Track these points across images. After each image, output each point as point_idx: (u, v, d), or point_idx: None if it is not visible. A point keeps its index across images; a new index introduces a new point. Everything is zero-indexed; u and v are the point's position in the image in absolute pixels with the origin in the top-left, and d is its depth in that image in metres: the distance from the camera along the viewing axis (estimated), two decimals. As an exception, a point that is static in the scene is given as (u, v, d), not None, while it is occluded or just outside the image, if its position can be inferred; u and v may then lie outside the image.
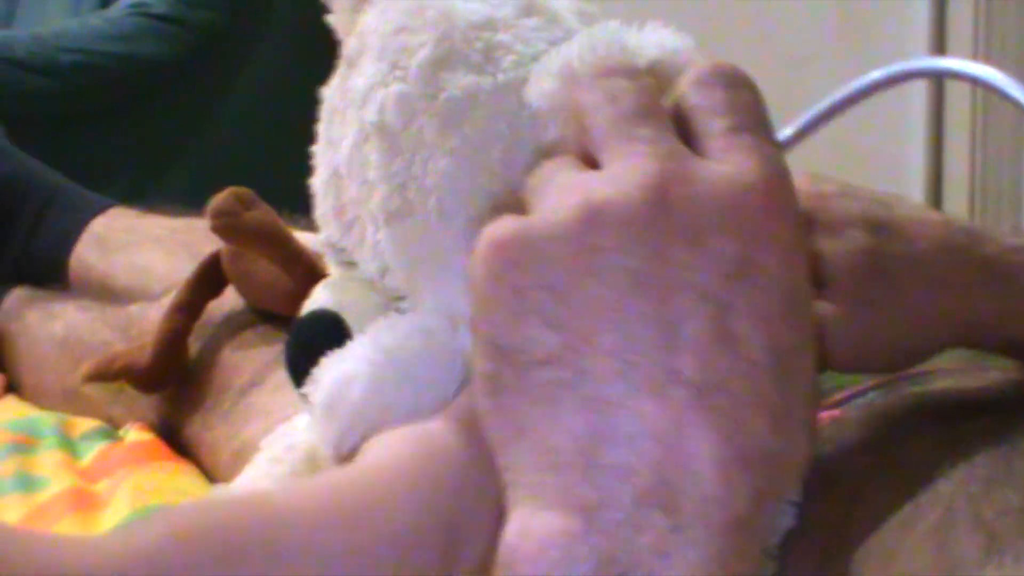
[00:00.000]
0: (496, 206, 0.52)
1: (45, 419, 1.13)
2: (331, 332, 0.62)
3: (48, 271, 1.31)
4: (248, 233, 0.96)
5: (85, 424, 1.13)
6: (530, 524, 0.47)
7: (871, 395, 0.72)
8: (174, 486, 0.98)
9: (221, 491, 0.74)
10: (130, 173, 2.12)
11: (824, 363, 0.62)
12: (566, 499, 0.47)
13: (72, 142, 2.02)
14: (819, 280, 0.64)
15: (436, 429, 0.54)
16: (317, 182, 0.64)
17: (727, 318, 0.47)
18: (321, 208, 0.64)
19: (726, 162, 0.48)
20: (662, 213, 0.47)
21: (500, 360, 0.49)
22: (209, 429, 1.05)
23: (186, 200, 1.27)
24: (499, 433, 0.49)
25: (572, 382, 0.47)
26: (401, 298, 0.62)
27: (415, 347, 0.59)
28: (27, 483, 1.02)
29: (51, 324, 1.24)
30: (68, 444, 1.09)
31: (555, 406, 0.48)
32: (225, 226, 0.97)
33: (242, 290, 1.06)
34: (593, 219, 0.47)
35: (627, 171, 0.48)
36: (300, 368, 0.63)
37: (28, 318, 1.27)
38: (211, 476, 1.02)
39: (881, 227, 0.65)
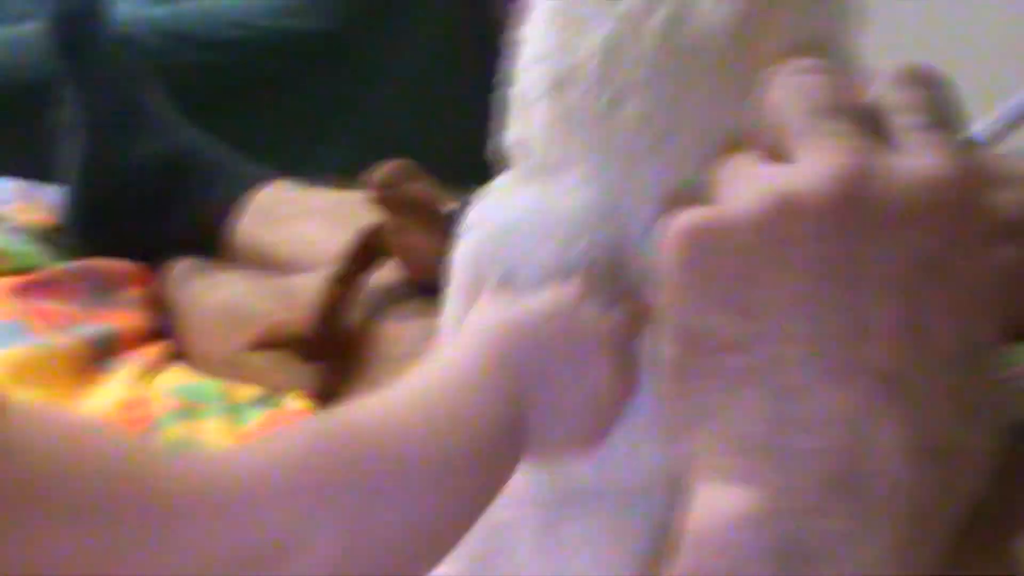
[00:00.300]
0: (679, 197, 0.53)
1: (210, 386, 1.16)
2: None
3: (213, 241, 1.34)
4: (408, 205, 0.97)
5: (248, 391, 1.16)
6: (717, 506, 0.48)
7: None
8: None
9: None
10: (291, 145, 2.15)
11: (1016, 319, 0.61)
12: (753, 482, 0.48)
13: (235, 115, 2.05)
14: (1005, 230, 0.63)
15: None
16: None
17: (918, 310, 0.47)
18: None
19: (920, 158, 0.48)
20: (855, 205, 0.47)
21: (689, 345, 0.50)
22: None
23: (346, 173, 1.28)
24: (684, 417, 0.50)
25: (761, 368, 0.48)
26: (558, 171, 0.66)
27: (565, 204, 0.64)
28: (193, 448, 1.04)
29: (216, 293, 1.27)
30: (232, 410, 1.12)
31: (743, 392, 0.49)
32: (386, 198, 0.98)
33: (405, 263, 1.07)
34: (785, 209, 0.47)
35: (820, 164, 0.48)
36: None
37: (194, 287, 1.30)
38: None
39: None
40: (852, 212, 0.47)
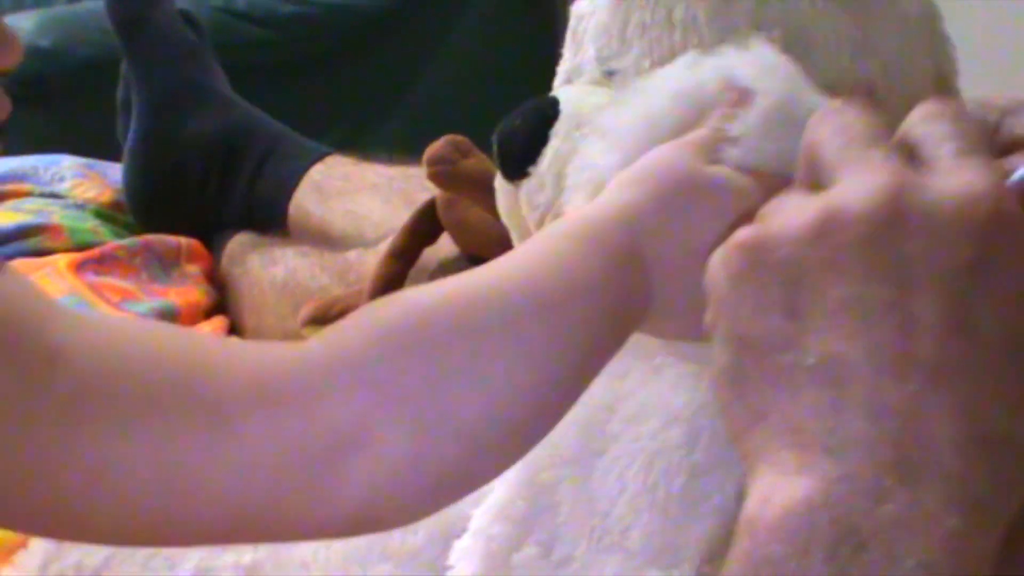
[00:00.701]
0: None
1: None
2: (541, 101, 0.69)
3: (269, 217, 1.35)
4: (464, 180, 0.97)
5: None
6: (772, 494, 0.49)
7: None
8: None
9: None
10: (346, 122, 2.16)
11: None
12: (809, 473, 0.49)
13: (290, 91, 2.06)
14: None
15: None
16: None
17: (965, 307, 0.49)
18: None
19: (956, 177, 0.50)
20: (898, 215, 0.50)
21: (742, 351, 0.52)
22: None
23: (400, 148, 1.29)
24: (740, 419, 0.52)
25: (814, 366, 0.50)
26: (610, 63, 0.69)
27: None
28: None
29: (272, 268, 1.27)
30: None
31: (797, 387, 0.50)
32: (441, 173, 0.98)
33: (457, 237, 1.07)
34: (832, 220, 0.50)
35: (862, 183, 0.51)
36: (505, 138, 0.69)
37: (250, 262, 1.30)
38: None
39: None
40: (894, 221, 0.50)
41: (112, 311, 1.21)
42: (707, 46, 0.67)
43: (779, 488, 0.49)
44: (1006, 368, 0.49)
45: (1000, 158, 0.61)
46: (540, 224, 0.69)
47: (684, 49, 0.67)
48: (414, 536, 0.78)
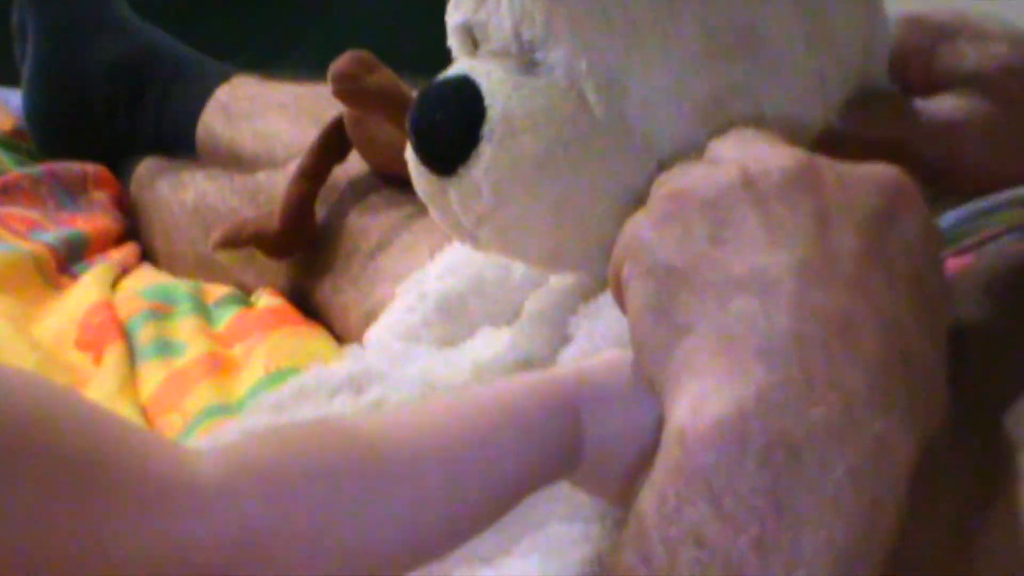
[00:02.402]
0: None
1: (179, 287, 1.16)
2: (461, 90, 0.65)
3: (177, 141, 1.33)
4: (370, 96, 0.96)
5: (218, 291, 1.15)
6: (702, 404, 0.49)
7: (1005, 239, 0.71)
8: (306, 349, 1.00)
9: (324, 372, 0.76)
10: (255, 46, 2.13)
11: (961, 167, 0.65)
12: (740, 378, 0.49)
13: (197, 16, 2.03)
14: (963, 77, 0.65)
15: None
16: None
17: (879, 243, 0.52)
18: None
19: (859, 165, 0.54)
20: (815, 173, 0.53)
21: (665, 279, 0.53)
22: (339, 293, 1.06)
23: (312, 72, 1.27)
24: (662, 342, 0.52)
25: (741, 276, 0.51)
26: (534, 52, 0.63)
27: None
28: (166, 348, 1.04)
29: (182, 193, 1.26)
30: (203, 310, 1.11)
31: (724, 297, 0.51)
32: (347, 90, 0.97)
33: (366, 154, 1.06)
34: (754, 173, 0.53)
35: (778, 152, 0.55)
36: (424, 131, 0.67)
37: (159, 187, 1.29)
38: (341, 339, 1.03)
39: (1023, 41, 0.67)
40: (814, 176, 0.53)
41: (20, 241, 1.20)
42: (648, 53, 0.65)
43: (710, 397, 0.49)
44: (916, 300, 0.51)
45: (934, 95, 0.63)
46: (479, 224, 0.68)
47: (625, 57, 0.65)
48: None
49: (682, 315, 0.52)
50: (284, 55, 2.08)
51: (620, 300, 0.56)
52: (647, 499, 0.49)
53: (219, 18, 2.09)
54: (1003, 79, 0.67)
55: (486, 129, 0.65)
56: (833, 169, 0.54)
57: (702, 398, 0.49)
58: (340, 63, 0.97)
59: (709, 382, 0.50)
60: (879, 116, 0.67)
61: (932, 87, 0.68)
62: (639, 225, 0.55)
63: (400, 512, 0.53)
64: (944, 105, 0.67)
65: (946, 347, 0.52)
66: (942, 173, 0.67)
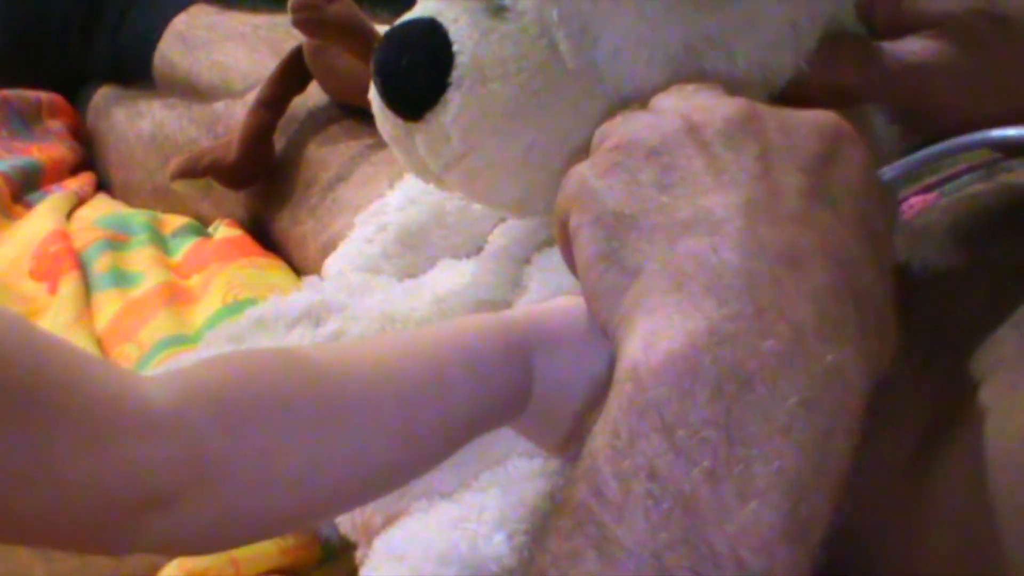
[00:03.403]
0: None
1: (136, 216, 1.15)
2: (429, 35, 0.63)
3: (133, 70, 1.31)
4: (330, 26, 0.95)
5: (176, 221, 1.15)
6: (654, 339, 0.49)
7: (966, 178, 0.71)
8: (264, 280, 1.00)
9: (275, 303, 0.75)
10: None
11: (931, 109, 0.66)
12: (692, 313, 0.49)
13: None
14: (931, 19, 0.65)
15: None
16: None
17: (822, 183, 0.53)
18: None
19: (801, 111, 0.56)
20: (756, 118, 0.54)
21: (613, 226, 0.53)
22: (297, 224, 1.05)
23: (270, 1, 1.26)
24: (613, 286, 0.53)
25: (689, 218, 0.52)
26: None
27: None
28: (122, 278, 1.04)
29: (138, 122, 1.25)
30: (160, 240, 1.11)
31: (673, 238, 0.52)
32: (307, 20, 0.96)
33: (325, 85, 1.05)
34: (696, 121, 0.54)
35: (721, 99, 0.56)
36: (390, 75, 0.65)
37: (116, 117, 1.28)
38: (300, 270, 1.03)
39: None
40: (756, 119, 0.54)
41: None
42: (620, 1, 0.64)
43: (661, 333, 0.49)
44: (861, 239, 0.52)
45: (902, 37, 0.63)
46: (447, 169, 0.67)
47: (596, 5, 0.64)
48: None
49: (632, 258, 0.52)
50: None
51: (566, 252, 0.56)
52: (600, 435, 0.49)
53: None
54: (971, 20, 0.67)
55: (455, 76, 0.65)
56: (775, 116, 0.55)
57: (654, 334, 0.50)
58: (300, -8, 0.96)
59: (660, 319, 0.50)
60: (847, 61, 0.67)
61: (900, 29, 0.68)
62: (585, 175, 0.55)
63: (351, 443, 0.53)
64: (912, 48, 0.67)
65: (894, 284, 0.53)
66: (911, 116, 0.67)
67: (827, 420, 0.48)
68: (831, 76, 0.66)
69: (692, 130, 0.54)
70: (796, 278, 0.50)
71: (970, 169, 0.73)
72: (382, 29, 0.97)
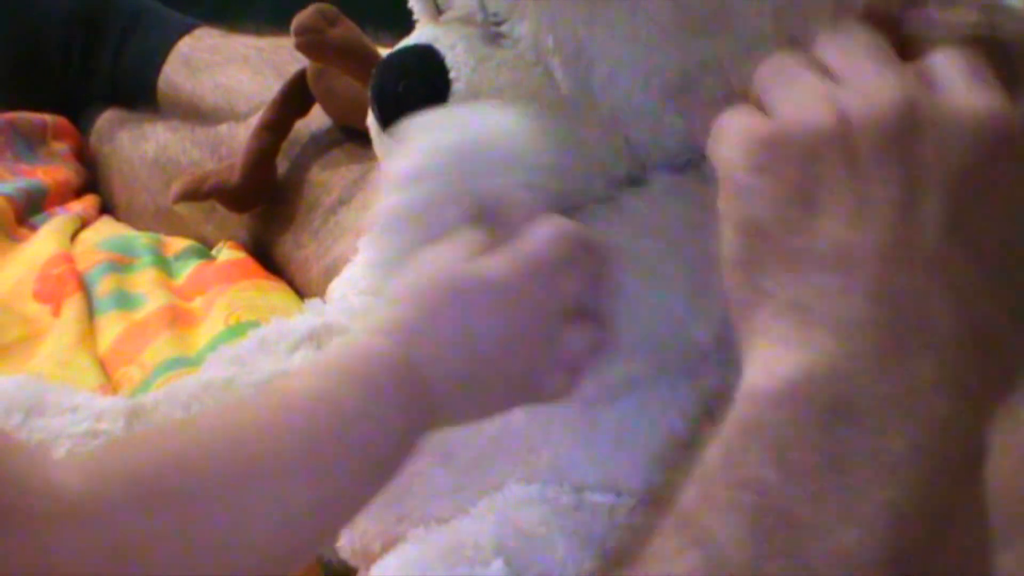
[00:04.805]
0: (726, 94, 0.59)
1: (140, 239, 1.15)
2: (425, 61, 0.63)
3: (137, 92, 1.32)
4: (332, 50, 0.96)
5: (179, 243, 1.15)
6: (775, 365, 0.52)
7: None
8: (266, 303, 1.00)
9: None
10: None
11: None
12: (813, 347, 0.52)
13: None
14: (932, 46, 0.65)
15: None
16: None
17: (966, 211, 0.52)
18: None
19: (971, 97, 0.54)
20: (913, 121, 0.53)
21: (755, 236, 0.54)
22: (300, 247, 1.06)
23: (270, 21, 1.26)
24: (747, 299, 0.55)
25: (824, 251, 0.53)
26: (499, 24, 0.63)
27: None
28: (125, 301, 1.04)
29: (142, 145, 1.25)
30: (163, 263, 1.11)
31: (806, 270, 0.53)
32: (309, 43, 0.96)
33: (328, 108, 1.06)
34: (850, 121, 0.53)
35: (878, 90, 0.54)
36: (388, 101, 0.65)
37: (120, 139, 1.28)
38: (302, 292, 1.03)
39: (993, 8, 0.67)
40: (911, 125, 0.53)
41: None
42: (616, 28, 0.63)
43: (782, 359, 0.52)
44: (999, 273, 0.53)
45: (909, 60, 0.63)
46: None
47: (592, 32, 0.64)
48: None
49: (766, 280, 0.54)
50: (244, 6, 2.07)
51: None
52: (714, 447, 0.52)
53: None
54: (973, 49, 0.67)
55: (451, 103, 0.64)
56: (933, 117, 0.53)
57: (775, 360, 0.52)
58: (303, 16, 0.97)
59: (782, 347, 0.52)
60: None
61: (901, 54, 0.68)
62: (735, 164, 0.55)
63: (269, 501, 0.52)
64: None
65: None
66: None
67: (936, 464, 0.50)
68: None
69: (845, 135, 0.53)
70: (921, 328, 0.51)
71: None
72: (384, 52, 0.98)
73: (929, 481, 0.50)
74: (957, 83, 0.55)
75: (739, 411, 0.52)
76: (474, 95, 0.64)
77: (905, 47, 0.68)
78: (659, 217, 0.64)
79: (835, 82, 0.56)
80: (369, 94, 0.67)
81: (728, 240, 0.56)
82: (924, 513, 0.50)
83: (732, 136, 0.56)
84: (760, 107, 0.57)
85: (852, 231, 0.53)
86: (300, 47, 0.97)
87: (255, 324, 0.89)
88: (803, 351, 0.51)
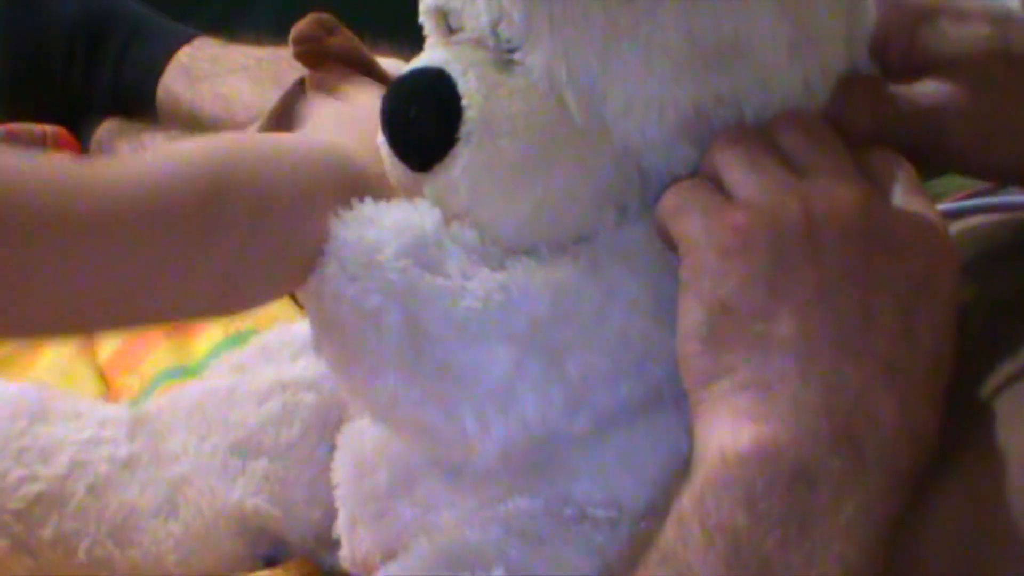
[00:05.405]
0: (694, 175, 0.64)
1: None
2: (437, 86, 0.63)
3: (137, 102, 1.32)
4: (331, 59, 0.96)
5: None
6: (740, 432, 0.57)
7: (968, 204, 0.72)
8: (266, 311, 0.99)
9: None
10: (215, 5, 2.11)
11: (946, 152, 0.67)
12: (775, 419, 0.57)
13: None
14: (945, 60, 0.65)
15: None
16: None
17: (911, 317, 0.59)
18: None
19: (913, 204, 0.61)
20: (869, 230, 0.59)
21: (721, 314, 0.59)
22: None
23: (270, 31, 1.26)
24: (706, 369, 0.60)
25: (787, 338, 0.58)
26: (512, 51, 0.63)
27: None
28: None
29: (142, 156, 1.25)
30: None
31: (768, 353, 0.58)
32: (308, 52, 0.96)
33: (327, 117, 1.06)
34: (816, 227, 0.59)
35: (840, 191, 0.60)
36: (399, 126, 0.66)
37: (120, 149, 1.28)
38: (301, 301, 1.03)
39: (1005, 21, 0.66)
40: (866, 235, 0.59)
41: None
42: (629, 60, 0.64)
43: (748, 426, 0.57)
44: (931, 374, 0.59)
45: (916, 77, 0.64)
46: (454, 218, 0.67)
47: (606, 64, 0.64)
48: (288, 430, 0.78)
49: (727, 356, 0.59)
50: (244, 16, 2.07)
51: (665, 236, 0.63)
52: (686, 497, 0.58)
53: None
54: (986, 62, 0.67)
55: (464, 130, 0.64)
56: (887, 224, 0.60)
57: (741, 426, 0.58)
58: (301, 25, 0.97)
59: (746, 418, 0.58)
60: (861, 102, 0.66)
61: (913, 69, 0.68)
62: (702, 244, 0.60)
63: (101, 259, 0.58)
64: (926, 89, 0.66)
65: (943, 404, 0.60)
66: (924, 156, 0.67)
67: (881, 522, 0.57)
68: (844, 118, 0.66)
69: (810, 230, 0.59)
70: (868, 416, 0.57)
71: (972, 195, 0.73)
72: (383, 62, 0.98)
73: (874, 539, 0.57)
74: (904, 194, 0.61)
75: (707, 467, 0.58)
76: (487, 123, 0.64)
77: (917, 63, 0.67)
78: (664, 247, 0.64)
79: (798, 174, 0.61)
80: (379, 116, 0.67)
81: (691, 313, 0.60)
82: (873, 554, 0.57)
83: (698, 214, 0.61)
84: (715, 179, 0.61)
85: (811, 322, 0.58)
86: (298, 56, 0.97)
87: (254, 332, 0.90)
88: (766, 424, 0.57)
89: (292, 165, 0.66)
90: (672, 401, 0.65)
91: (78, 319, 0.60)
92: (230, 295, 0.64)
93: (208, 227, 0.61)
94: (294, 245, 0.64)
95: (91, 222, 0.58)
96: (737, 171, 0.61)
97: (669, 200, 0.62)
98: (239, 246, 0.62)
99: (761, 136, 0.62)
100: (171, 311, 0.64)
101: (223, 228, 0.61)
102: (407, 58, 0.72)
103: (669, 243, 0.62)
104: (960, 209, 0.72)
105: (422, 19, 0.69)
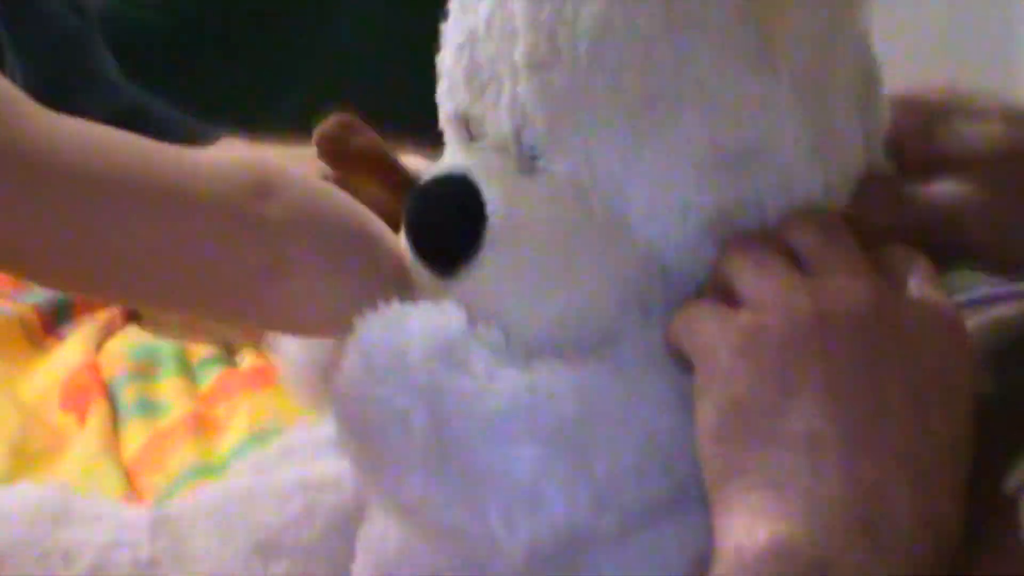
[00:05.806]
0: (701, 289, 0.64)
1: (164, 347, 1.16)
2: (461, 192, 0.64)
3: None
4: (354, 159, 0.96)
5: (203, 351, 1.15)
6: (756, 530, 0.57)
7: (985, 292, 0.72)
8: (290, 410, 1.00)
9: None
10: (244, 101, 2.13)
11: (964, 249, 0.67)
12: (788, 518, 0.57)
13: (181, 74, 2.03)
14: (961, 158, 0.65)
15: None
16: (446, 53, 0.68)
17: (926, 409, 0.59)
18: (450, 77, 0.68)
19: (927, 297, 0.61)
20: (880, 323, 0.59)
21: (732, 414, 0.59)
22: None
23: (300, 128, 1.27)
24: (722, 469, 0.60)
25: (799, 434, 0.58)
26: (535, 157, 0.64)
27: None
28: (149, 408, 1.04)
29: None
30: (187, 370, 1.12)
31: (780, 450, 0.58)
32: (331, 152, 0.97)
33: (351, 215, 1.06)
34: (826, 322, 0.59)
35: (852, 290, 0.60)
36: (423, 232, 0.66)
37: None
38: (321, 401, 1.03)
39: (1020, 119, 0.67)
40: (877, 332, 0.59)
41: (5, 303, 1.20)
42: (653, 165, 0.65)
43: (763, 524, 0.57)
44: (948, 464, 0.59)
45: (932, 176, 0.64)
46: (478, 319, 0.66)
47: (630, 169, 0.65)
48: (310, 530, 0.77)
49: (741, 454, 0.59)
50: (268, 116, 2.09)
51: (674, 349, 0.63)
52: None
53: (204, 74, 2.10)
54: (1001, 161, 0.67)
55: (488, 236, 0.64)
56: (898, 318, 0.60)
57: (756, 525, 0.57)
58: (326, 126, 0.97)
59: (761, 516, 0.57)
60: (879, 202, 0.67)
61: (930, 168, 0.68)
62: (715, 346, 0.60)
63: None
64: (943, 188, 0.67)
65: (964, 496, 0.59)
66: (945, 255, 0.67)
67: None
68: (863, 217, 0.66)
69: (821, 329, 0.59)
70: (884, 510, 0.57)
71: (993, 291, 0.73)
72: (407, 160, 0.99)
73: None
74: (918, 288, 0.61)
75: (725, 565, 0.57)
76: (512, 230, 0.65)
77: (933, 162, 0.68)
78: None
79: (808, 273, 0.61)
80: (403, 221, 0.68)
81: (706, 414, 0.60)
82: None
83: (710, 322, 0.61)
84: (726, 288, 0.62)
85: (824, 419, 0.58)
86: (321, 156, 0.98)
87: (278, 431, 0.90)
88: (781, 521, 0.57)
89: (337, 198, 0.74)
90: (698, 499, 0.65)
91: (128, 281, 0.65)
92: (267, 292, 0.65)
93: (253, 214, 0.65)
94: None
95: (167, 190, 0.66)
96: (747, 277, 0.61)
97: (679, 318, 0.62)
98: (280, 243, 0.65)
99: (770, 240, 0.62)
100: (213, 295, 0.66)
101: (265, 223, 0.65)
102: (431, 157, 0.73)
103: (683, 360, 0.62)
104: (979, 299, 0.72)
105: (442, 126, 0.70)
